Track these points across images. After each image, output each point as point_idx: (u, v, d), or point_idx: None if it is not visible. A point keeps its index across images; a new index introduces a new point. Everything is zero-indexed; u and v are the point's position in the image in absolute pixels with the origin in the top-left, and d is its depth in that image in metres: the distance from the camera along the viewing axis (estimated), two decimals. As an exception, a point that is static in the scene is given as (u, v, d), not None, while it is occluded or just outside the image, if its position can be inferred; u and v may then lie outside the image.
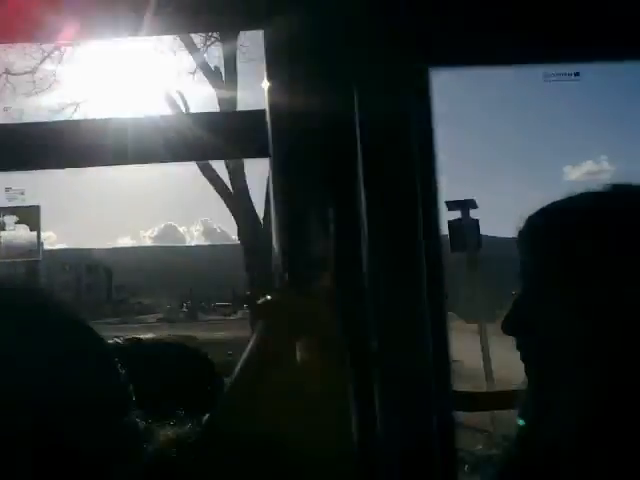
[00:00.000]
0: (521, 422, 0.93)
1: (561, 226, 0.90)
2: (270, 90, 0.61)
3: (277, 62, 0.65)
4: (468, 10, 1.13)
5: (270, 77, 0.62)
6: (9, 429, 0.54)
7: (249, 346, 0.55)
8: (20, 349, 0.58)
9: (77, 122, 1.38)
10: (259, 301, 0.57)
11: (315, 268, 0.54)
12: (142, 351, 1.11)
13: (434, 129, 1.11)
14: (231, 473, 0.53)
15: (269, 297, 0.58)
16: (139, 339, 1.20)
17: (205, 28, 1.38)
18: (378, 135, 1.06)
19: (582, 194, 0.94)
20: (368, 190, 0.92)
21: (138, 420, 0.62)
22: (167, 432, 0.62)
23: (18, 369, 0.57)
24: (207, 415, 0.55)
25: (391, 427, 0.95)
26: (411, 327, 1.01)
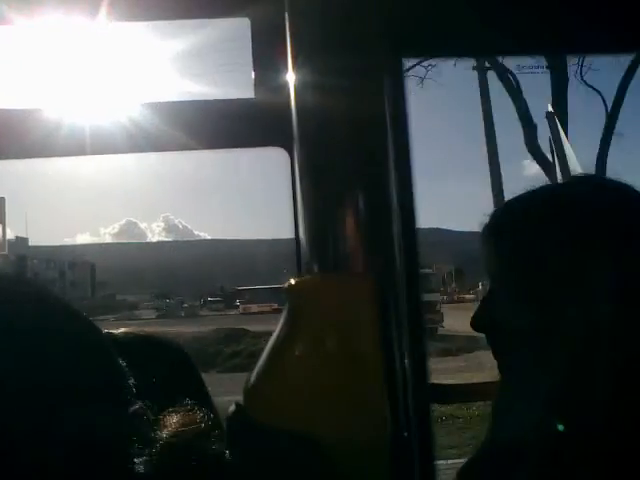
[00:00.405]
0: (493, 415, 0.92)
1: (522, 221, 0.90)
2: (256, 79, 0.58)
3: (263, 50, 0.62)
4: (440, 2, 1.12)
5: (256, 66, 0.59)
6: (19, 418, 0.51)
7: (276, 333, 0.51)
8: (24, 340, 0.54)
9: (35, 110, 1.31)
10: (290, 283, 0.53)
11: (344, 258, 0.50)
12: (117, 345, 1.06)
13: (408, 119, 1.09)
14: (264, 464, 0.49)
15: (297, 280, 0.53)
16: (111, 333, 1.14)
17: (188, 15, 1.34)
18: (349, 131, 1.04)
19: (542, 187, 0.94)
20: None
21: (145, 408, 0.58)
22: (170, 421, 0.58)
23: (24, 361, 0.53)
24: (233, 404, 0.51)
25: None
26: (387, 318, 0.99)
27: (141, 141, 1.40)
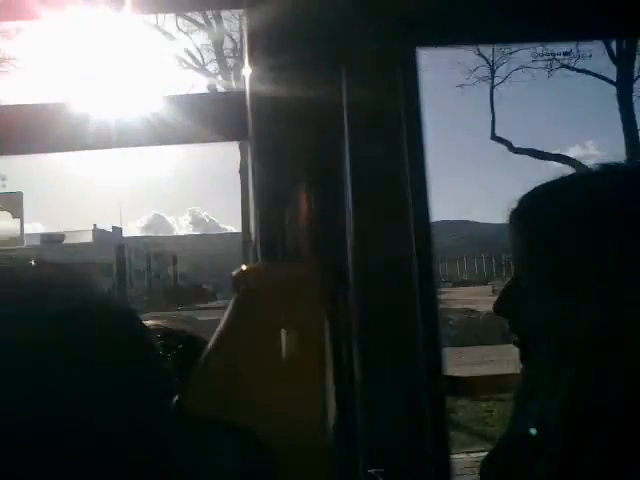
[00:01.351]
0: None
1: (550, 209, 0.87)
2: (251, 72, 0.56)
3: (259, 43, 0.61)
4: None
5: (251, 58, 0.57)
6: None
7: (222, 322, 0.49)
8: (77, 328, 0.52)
9: (60, 105, 1.31)
10: (236, 272, 0.50)
11: (295, 256, 0.49)
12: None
13: (422, 110, 1.06)
14: (203, 458, 0.48)
15: (247, 267, 0.51)
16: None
17: (185, 8, 1.32)
18: (365, 117, 1.02)
19: (572, 175, 0.90)
20: (354, 173, 0.88)
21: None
22: None
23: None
24: (175, 398, 0.49)
25: (381, 414, 0.92)
26: (401, 310, 0.98)
27: (166, 134, 1.39)
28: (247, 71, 0.58)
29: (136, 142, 1.48)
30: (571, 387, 0.79)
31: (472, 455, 4.88)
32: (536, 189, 0.90)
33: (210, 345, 0.49)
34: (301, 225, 0.50)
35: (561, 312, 0.83)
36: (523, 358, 0.90)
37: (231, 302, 0.49)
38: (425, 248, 1.01)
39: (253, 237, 0.52)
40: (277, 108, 0.56)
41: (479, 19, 1.08)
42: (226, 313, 0.49)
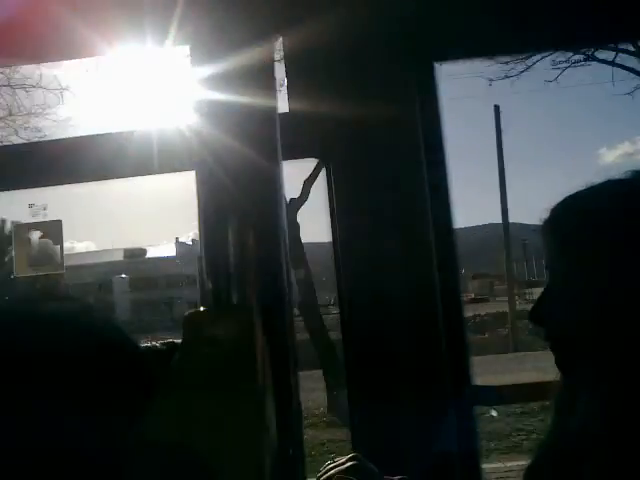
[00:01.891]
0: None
1: (583, 217, 0.86)
2: (197, 100, 0.58)
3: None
4: (468, 3, 1.08)
5: (199, 86, 0.59)
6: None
7: (174, 359, 0.54)
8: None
9: (94, 137, 1.36)
10: (185, 314, 0.56)
11: (238, 281, 0.53)
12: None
13: (442, 122, 1.06)
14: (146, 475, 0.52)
15: (192, 311, 0.56)
16: (174, 342, 1.18)
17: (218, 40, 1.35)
18: (383, 135, 1.03)
19: (606, 183, 0.89)
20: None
21: None
22: None
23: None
24: (137, 426, 0.54)
25: (409, 427, 0.92)
26: (424, 322, 0.97)
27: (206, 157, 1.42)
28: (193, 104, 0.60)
29: (178, 167, 1.51)
30: (612, 394, 0.77)
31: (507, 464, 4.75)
32: (567, 198, 0.89)
33: (165, 379, 0.53)
34: (244, 259, 0.54)
35: (596, 318, 0.81)
36: (560, 365, 0.88)
37: (181, 342, 0.54)
38: (448, 259, 1.00)
39: (201, 263, 0.56)
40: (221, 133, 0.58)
41: (495, 31, 1.08)
42: (177, 352, 0.54)
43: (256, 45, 0.57)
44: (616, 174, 0.90)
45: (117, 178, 1.54)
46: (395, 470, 0.83)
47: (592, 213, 0.85)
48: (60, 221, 1.70)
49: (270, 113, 0.57)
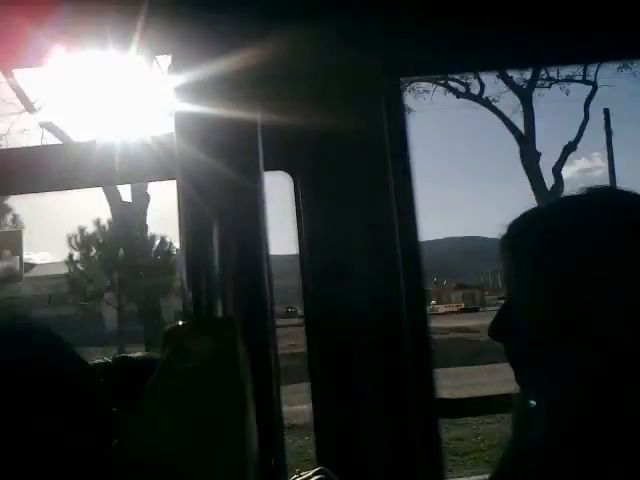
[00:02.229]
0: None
1: (540, 234, 0.87)
2: (177, 110, 0.58)
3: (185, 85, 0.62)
4: (433, 23, 1.10)
5: (178, 97, 0.59)
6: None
7: (153, 376, 0.53)
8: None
9: (62, 146, 1.34)
10: (166, 328, 0.56)
11: (219, 295, 0.53)
12: (130, 367, 1.07)
13: (408, 137, 1.07)
14: None
15: (173, 325, 0.56)
16: (126, 357, 1.16)
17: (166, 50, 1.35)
18: (351, 149, 1.03)
19: (563, 199, 0.90)
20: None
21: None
22: None
23: None
24: (115, 441, 0.53)
25: (372, 439, 0.91)
26: (389, 333, 0.97)
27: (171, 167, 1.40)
28: (174, 114, 0.60)
29: (144, 177, 1.49)
30: (571, 409, 0.78)
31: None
32: (524, 214, 0.91)
33: (143, 396, 0.52)
34: (225, 270, 0.54)
35: (554, 334, 0.82)
36: (519, 380, 0.89)
37: (162, 355, 0.54)
38: (414, 272, 1.00)
39: (182, 282, 0.56)
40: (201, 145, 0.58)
41: (461, 48, 1.09)
42: (159, 365, 0.53)
43: (239, 55, 0.57)
44: (572, 190, 0.92)
45: (78, 188, 1.51)
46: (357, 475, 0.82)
47: (548, 230, 0.86)
48: (20, 231, 1.66)
49: (251, 123, 0.57)
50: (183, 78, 0.59)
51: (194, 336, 0.54)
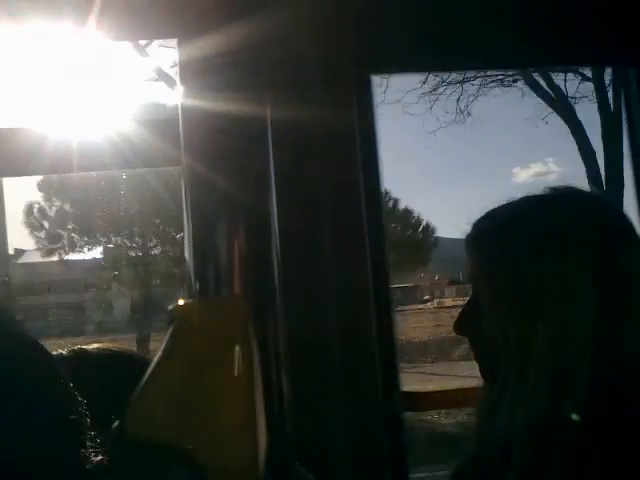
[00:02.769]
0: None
1: (504, 232, 0.88)
2: (184, 99, 0.56)
3: (191, 71, 0.61)
4: (406, 20, 1.10)
5: (184, 85, 0.57)
6: None
7: (159, 351, 0.52)
8: None
9: (16, 129, 1.27)
10: (170, 307, 0.54)
11: (226, 276, 0.52)
12: (87, 360, 1.02)
13: (377, 134, 1.07)
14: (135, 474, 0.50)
15: (180, 303, 0.54)
16: (84, 349, 1.10)
17: (125, 37, 1.32)
18: (321, 141, 1.02)
19: (523, 199, 0.91)
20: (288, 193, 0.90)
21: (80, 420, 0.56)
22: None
23: None
24: (116, 422, 0.52)
25: (341, 433, 0.90)
26: (356, 327, 0.97)
27: (131, 157, 1.36)
28: (179, 100, 0.58)
29: (102, 165, 1.43)
30: (533, 400, 0.79)
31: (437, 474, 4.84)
32: (489, 213, 0.91)
33: (148, 372, 0.51)
34: (232, 256, 0.53)
35: (517, 329, 0.83)
36: (483, 373, 0.90)
37: (168, 333, 0.52)
38: (380, 265, 1.00)
39: (188, 269, 0.55)
40: (207, 132, 0.56)
41: (430, 47, 1.10)
42: (163, 344, 0.52)
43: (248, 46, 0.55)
44: (531, 191, 0.94)
45: (33, 175, 1.45)
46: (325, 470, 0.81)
47: (512, 228, 0.87)
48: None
49: (260, 109, 0.55)
50: (188, 63, 0.57)
51: (200, 314, 0.52)
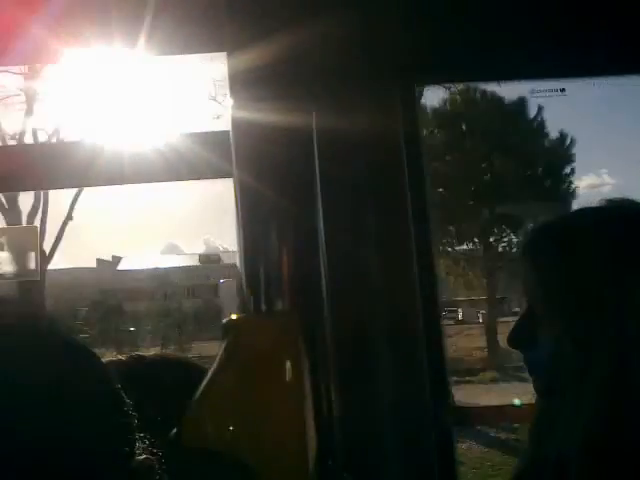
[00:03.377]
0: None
1: (560, 242, 0.84)
2: (234, 111, 0.56)
3: (242, 84, 0.61)
4: (454, 28, 1.08)
5: (234, 97, 0.57)
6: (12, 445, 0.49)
7: (214, 364, 0.53)
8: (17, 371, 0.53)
9: (71, 143, 1.31)
10: (224, 321, 0.54)
11: (277, 289, 0.52)
12: (144, 367, 1.03)
13: (422, 143, 1.05)
14: None
15: (233, 317, 0.54)
16: (141, 355, 1.11)
17: (172, 51, 1.34)
18: (370, 150, 1.01)
19: (582, 209, 0.88)
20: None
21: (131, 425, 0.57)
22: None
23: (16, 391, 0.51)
24: (174, 430, 0.53)
25: (389, 446, 0.88)
26: (404, 336, 0.95)
27: (180, 169, 1.37)
28: (230, 112, 0.59)
29: (149, 177, 1.46)
30: (591, 420, 0.75)
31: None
32: (545, 222, 0.88)
33: (204, 384, 0.52)
34: (283, 269, 0.54)
35: (576, 346, 0.79)
36: (538, 389, 0.87)
37: (222, 347, 0.52)
38: (428, 278, 0.98)
39: (240, 271, 0.55)
40: (258, 144, 0.57)
41: (477, 57, 1.07)
42: (217, 356, 0.53)
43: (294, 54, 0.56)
44: (585, 203, 0.90)
45: (91, 186, 1.48)
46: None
47: (570, 239, 0.84)
48: (36, 227, 1.62)
49: (307, 121, 0.55)
50: (238, 75, 0.57)
51: (253, 329, 0.53)
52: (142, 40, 1.24)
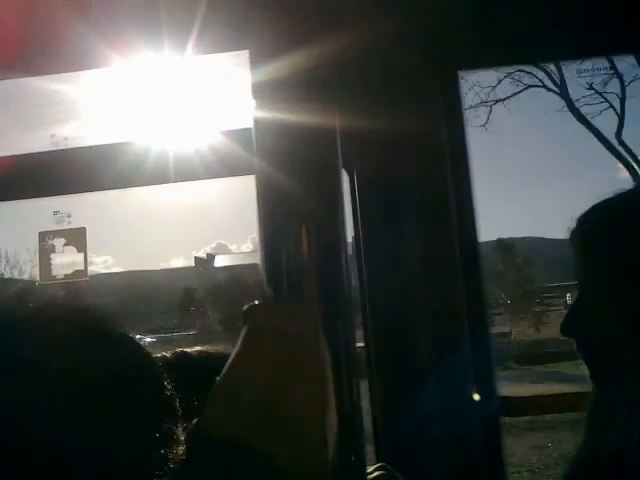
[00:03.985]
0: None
1: (613, 226, 0.81)
2: (256, 107, 0.56)
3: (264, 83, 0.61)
4: (493, 12, 1.04)
5: (256, 98, 0.57)
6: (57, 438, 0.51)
7: (234, 352, 0.52)
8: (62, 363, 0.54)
9: (118, 145, 1.33)
10: (247, 306, 0.53)
11: (298, 282, 0.52)
12: (188, 362, 1.04)
13: (465, 131, 1.02)
14: (214, 473, 0.49)
15: (255, 304, 0.54)
16: (185, 352, 1.13)
17: (201, 51, 1.35)
18: (407, 140, 0.99)
19: (631, 190, 0.84)
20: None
21: (174, 428, 0.57)
22: None
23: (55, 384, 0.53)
24: (194, 421, 0.52)
25: (434, 437, 0.87)
26: (449, 329, 0.93)
27: (221, 167, 1.39)
28: (252, 111, 0.58)
29: (196, 176, 1.48)
30: None
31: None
32: (593, 207, 0.84)
33: (223, 372, 0.51)
34: (304, 260, 0.53)
35: (632, 333, 0.76)
36: (594, 378, 0.84)
37: (242, 334, 0.52)
38: (473, 269, 0.96)
39: (260, 264, 0.55)
40: (280, 141, 0.56)
41: (518, 40, 1.04)
42: (237, 343, 0.52)
43: (316, 52, 0.55)
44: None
45: (136, 186, 1.51)
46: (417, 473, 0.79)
47: (622, 221, 0.80)
48: (84, 228, 1.66)
49: (331, 118, 0.55)
50: (261, 74, 0.57)
51: (272, 316, 0.52)
52: (191, 41, 1.25)
